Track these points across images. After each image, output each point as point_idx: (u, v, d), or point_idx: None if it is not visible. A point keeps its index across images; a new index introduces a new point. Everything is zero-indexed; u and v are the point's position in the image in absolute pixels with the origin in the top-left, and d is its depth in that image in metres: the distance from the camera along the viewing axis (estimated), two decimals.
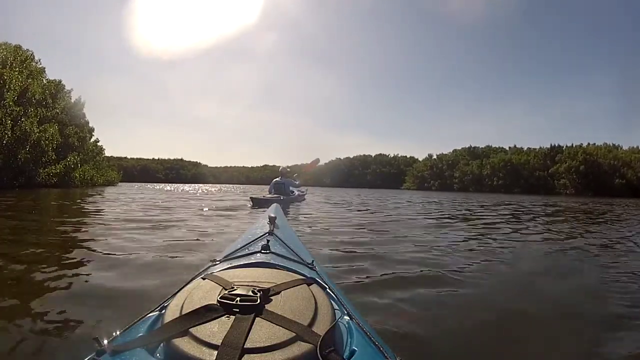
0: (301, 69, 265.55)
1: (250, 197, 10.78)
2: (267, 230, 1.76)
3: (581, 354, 1.80)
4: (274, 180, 11.26)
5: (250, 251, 1.50)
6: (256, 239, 1.66)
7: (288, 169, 11.60)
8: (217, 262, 1.44)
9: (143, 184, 57.80)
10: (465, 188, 79.71)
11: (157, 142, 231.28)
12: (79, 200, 11.61)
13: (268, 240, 1.55)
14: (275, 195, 10.43)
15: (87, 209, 8.69)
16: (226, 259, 1.46)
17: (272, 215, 1.89)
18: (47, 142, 26.04)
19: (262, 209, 8.66)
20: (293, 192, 11.26)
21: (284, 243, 1.60)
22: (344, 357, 0.84)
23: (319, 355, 0.77)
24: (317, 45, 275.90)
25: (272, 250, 1.48)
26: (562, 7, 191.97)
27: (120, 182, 46.56)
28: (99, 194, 14.65)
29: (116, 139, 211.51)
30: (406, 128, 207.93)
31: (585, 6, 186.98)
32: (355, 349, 0.89)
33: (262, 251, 1.46)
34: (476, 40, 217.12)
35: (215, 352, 0.77)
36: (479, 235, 5.37)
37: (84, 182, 30.75)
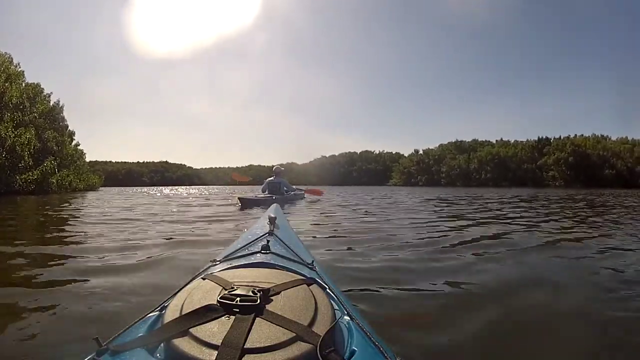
0: (290, 68, 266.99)
1: (238, 198, 10.37)
2: (267, 231, 1.77)
3: (585, 355, 1.83)
4: (268, 179, 11.09)
5: (250, 251, 1.51)
6: (256, 239, 1.68)
7: (282, 168, 11.43)
8: (217, 262, 1.45)
9: (126, 188, 57.05)
10: (452, 183, 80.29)
11: (143, 145, 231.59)
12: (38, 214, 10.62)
13: (268, 241, 1.57)
14: (267, 195, 10.27)
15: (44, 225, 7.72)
16: (226, 259, 1.47)
17: (272, 215, 1.91)
18: (22, 147, 25.38)
19: (254, 210, 8.56)
20: (287, 192, 11.10)
21: (284, 243, 1.62)
22: (344, 357, 0.86)
23: (319, 356, 0.78)
24: (306, 44, 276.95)
25: (272, 250, 1.49)
26: (551, 6, 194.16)
27: (103, 186, 45.82)
28: (69, 204, 12.92)
29: (101, 143, 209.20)
30: (392, 124, 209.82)
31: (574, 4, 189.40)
32: (355, 349, 0.90)
33: (262, 251, 1.47)
34: (465, 37, 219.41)
35: (215, 352, 0.78)
36: (482, 233, 5.32)
37: (63, 187, 29.97)
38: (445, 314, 2.21)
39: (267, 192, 10.69)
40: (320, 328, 0.87)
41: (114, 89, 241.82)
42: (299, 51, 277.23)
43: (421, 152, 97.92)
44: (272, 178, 11.03)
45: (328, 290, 1.22)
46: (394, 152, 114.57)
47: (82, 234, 5.14)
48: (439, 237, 4.93)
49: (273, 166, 11.54)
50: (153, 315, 1.04)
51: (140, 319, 1.01)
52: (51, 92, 33.46)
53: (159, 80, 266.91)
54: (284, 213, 6.80)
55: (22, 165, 25.63)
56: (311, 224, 6.35)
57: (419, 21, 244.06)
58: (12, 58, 28.56)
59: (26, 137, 25.83)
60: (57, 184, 29.04)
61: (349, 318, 1.05)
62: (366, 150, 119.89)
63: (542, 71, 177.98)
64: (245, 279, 1.09)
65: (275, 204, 2.80)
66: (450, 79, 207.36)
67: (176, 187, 59.93)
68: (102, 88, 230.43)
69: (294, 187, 12.01)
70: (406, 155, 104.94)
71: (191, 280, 1.20)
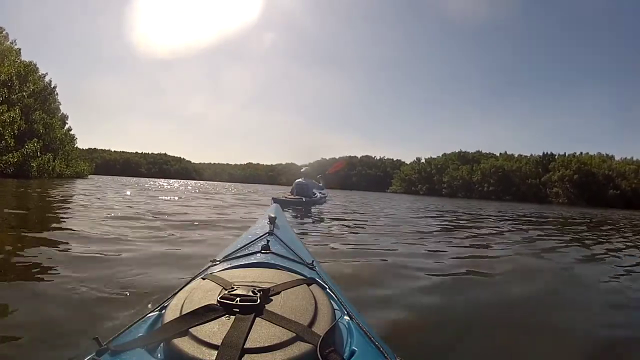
0: (292, 68, 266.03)
1: (273, 199, 10.53)
2: (267, 231, 1.80)
3: (585, 355, 1.85)
4: (296, 180, 11.09)
5: (250, 251, 1.54)
6: (256, 239, 1.70)
7: (309, 170, 11.46)
8: (217, 262, 1.47)
9: (122, 177, 56.76)
10: (454, 194, 79.94)
11: (143, 137, 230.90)
12: None
13: (268, 241, 1.60)
14: (297, 197, 10.34)
15: None
16: (226, 259, 1.50)
17: (272, 215, 1.94)
18: (3, 126, 24.99)
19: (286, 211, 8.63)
20: (315, 193, 11.15)
21: (284, 243, 1.65)
22: (344, 357, 0.88)
23: (319, 355, 0.80)
24: (309, 45, 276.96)
25: (272, 250, 1.52)
26: (558, 22, 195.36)
27: (96, 174, 45.21)
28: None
29: (103, 133, 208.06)
30: (394, 130, 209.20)
31: (581, 20, 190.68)
32: (355, 349, 0.92)
33: (262, 251, 1.50)
34: (473, 46, 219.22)
35: (215, 352, 0.80)
36: (484, 240, 5.40)
37: (46, 172, 29.37)
38: (445, 314, 2.26)
39: (295, 194, 10.72)
40: (320, 328, 0.89)
41: (118, 84, 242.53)
42: (301, 52, 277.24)
43: (423, 160, 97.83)
44: (300, 180, 11.02)
45: (328, 290, 1.24)
46: (395, 159, 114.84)
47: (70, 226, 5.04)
48: (441, 241, 4.99)
49: (301, 168, 11.58)
50: (153, 315, 1.06)
51: (140, 319, 1.03)
52: (46, 73, 33.34)
53: (162, 77, 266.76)
54: (310, 215, 6.87)
55: (2, 145, 25.16)
56: (313, 224, 6.47)
57: (425, 27, 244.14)
58: (7, 34, 28.48)
59: (9, 116, 25.39)
60: (37, 169, 28.30)
61: (349, 318, 1.08)
62: (367, 155, 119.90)
63: (548, 85, 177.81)
64: (245, 279, 1.12)
65: (275, 204, 2.86)
66: (455, 87, 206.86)
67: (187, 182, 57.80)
68: (106, 83, 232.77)
69: (321, 184, 12.13)
70: (407, 162, 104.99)
71: (191, 280, 1.23)
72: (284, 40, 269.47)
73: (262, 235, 1.75)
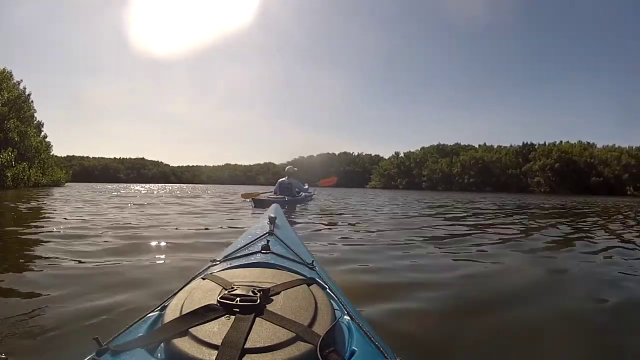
0: (271, 69, 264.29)
1: (252, 198, 10.60)
2: (267, 231, 1.81)
3: (584, 356, 1.89)
4: (280, 180, 10.96)
5: (250, 251, 1.54)
6: (256, 239, 1.71)
7: (295, 169, 11.30)
8: (217, 262, 1.48)
9: (98, 184, 55.77)
10: (434, 187, 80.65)
11: (122, 142, 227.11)
12: None
13: (268, 241, 1.61)
14: (279, 196, 10.22)
15: None
16: (226, 259, 1.50)
17: (272, 215, 1.95)
18: None
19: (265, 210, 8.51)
20: (299, 192, 11.09)
21: (284, 243, 1.65)
22: (344, 357, 0.88)
23: (319, 355, 0.80)
24: (290, 44, 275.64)
25: (272, 250, 1.52)
26: (545, 17, 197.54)
27: (73, 181, 44.52)
28: None
29: (82, 139, 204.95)
30: (372, 126, 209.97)
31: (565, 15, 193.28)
32: (355, 349, 0.93)
33: (262, 251, 1.51)
34: (455, 42, 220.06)
35: (215, 352, 0.80)
36: (483, 238, 5.39)
37: (21, 182, 28.89)
38: (445, 314, 2.26)
39: (278, 193, 10.63)
40: (320, 328, 0.90)
41: (97, 86, 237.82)
42: (282, 52, 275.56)
43: (402, 154, 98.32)
44: (284, 179, 10.90)
45: (328, 290, 1.24)
46: (373, 154, 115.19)
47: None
48: (439, 240, 5.03)
49: (285, 167, 11.38)
50: (153, 315, 1.06)
51: (140, 319, 1.03)
52: (21, 80, 32.85)
53: (141, 80, 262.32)
54: (295, 213, 6.78)
55: None
56: (313, 224, 6.45)
57: (405, 24, 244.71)
58: None
59: None
60: (12, 179, 27.79)
61: (349, 318, 1.08)
62: (345, 152, 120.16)
63: (529, 79, 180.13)
64: (245, 279, 1.12)
65: (275, 204, 2.85)
66: (432, 82, 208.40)
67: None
68: (86, 85, 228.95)
69: (305, 186, 12.11)
70: (386, 157, 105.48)
71: (191, 280, 1.22)
72: (264, 41, 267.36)
73: (262, 235, 1.75)
